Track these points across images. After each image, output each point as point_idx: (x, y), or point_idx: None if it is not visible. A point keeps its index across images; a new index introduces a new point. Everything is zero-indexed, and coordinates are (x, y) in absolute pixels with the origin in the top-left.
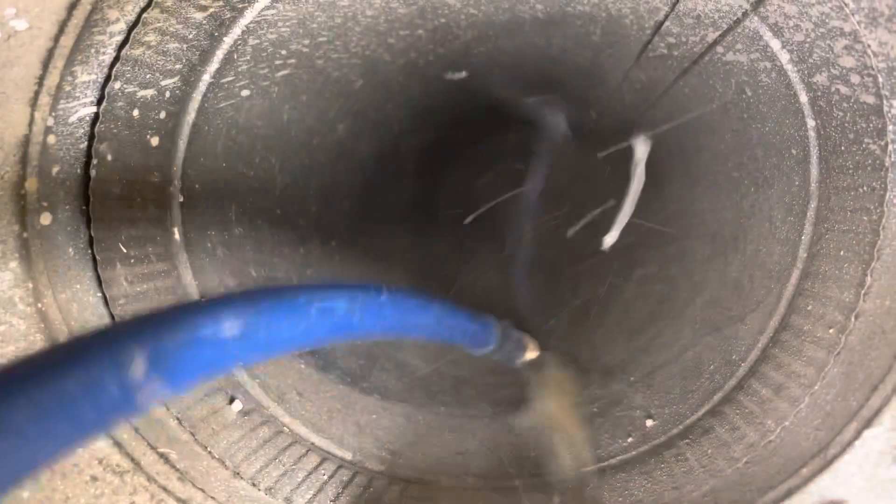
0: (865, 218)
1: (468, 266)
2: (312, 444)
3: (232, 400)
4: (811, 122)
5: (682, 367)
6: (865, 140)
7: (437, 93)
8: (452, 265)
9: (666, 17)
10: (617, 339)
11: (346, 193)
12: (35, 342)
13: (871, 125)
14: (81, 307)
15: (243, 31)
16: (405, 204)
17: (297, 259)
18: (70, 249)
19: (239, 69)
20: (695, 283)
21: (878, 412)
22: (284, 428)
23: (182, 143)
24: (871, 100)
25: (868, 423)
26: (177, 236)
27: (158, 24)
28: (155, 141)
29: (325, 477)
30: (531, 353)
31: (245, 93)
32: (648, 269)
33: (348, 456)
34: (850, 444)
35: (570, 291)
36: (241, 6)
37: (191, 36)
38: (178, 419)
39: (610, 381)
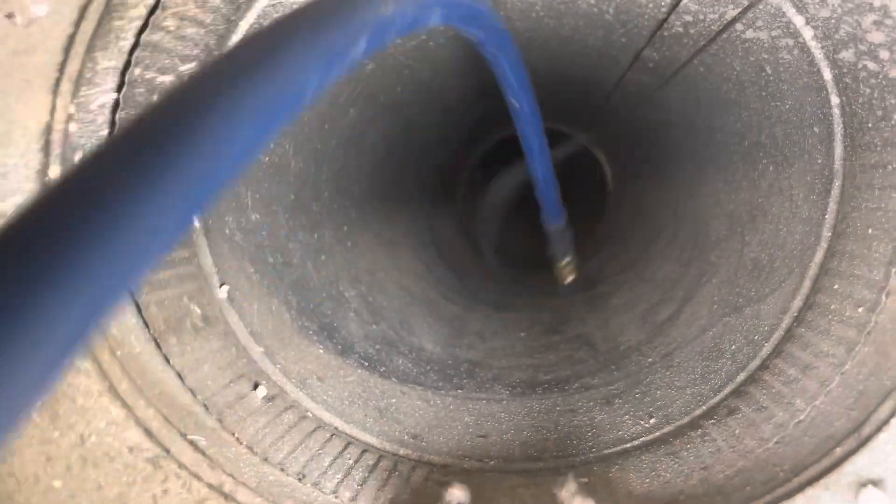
0: (895, 195)
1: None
2: (336, 428)
3: (256, 386)
4: (835, 100)
5: (702, 347)
6: (895, 116)
7: (446, 75)
8: (465, 248)
9: None
10: (633, 321)
11: (357, 178)
12: None
13: None
14: None
15: (259, 15)
16: (416, 187)
17: (311, 244)
18: None
19: None
20: (710, 263)
21: None
22: (308, 413)
23: None
24: None
25: None
26: (196, 223)
27: (177, 9)
28: None
29: (351, 461)
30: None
31: None
32: (661, 248)
33: (371, 440)
34: (885, 422)
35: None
36: None
37: (208, 20)
38: (205, 406)
39: (628, 362)
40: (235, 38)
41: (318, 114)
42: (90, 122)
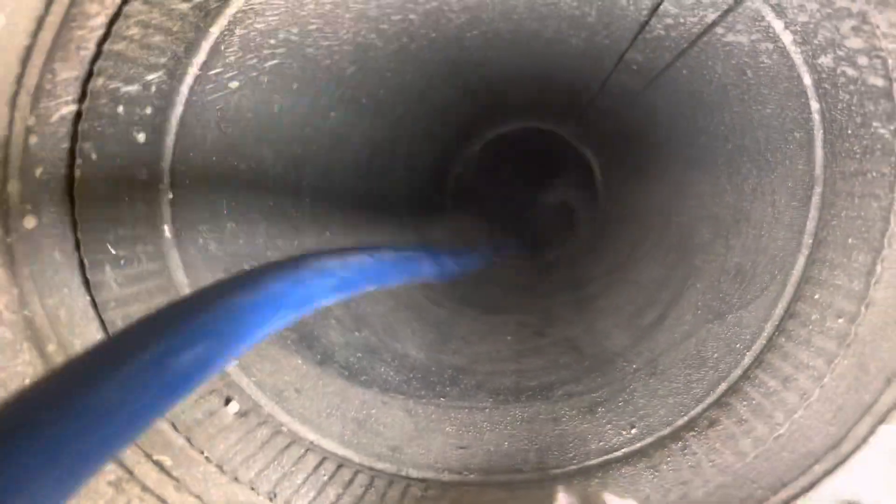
0: (875, 204)
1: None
2: (311, 442)
3: (228, 401)
4: (815, 105)
5: (685, 354)
6: (874, 124)
7: (430, 77)
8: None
9: None
10: (619, 324)
11: (340, 183)
12: (21, 350)
13: (879, 108)
14: (70, 312)
15: (230, 21)
16: (401, 191)
17: (291, 252)
18: (56, 253)
19: (227, 60)
20: (694, 267)
21: (894, 407)
22: (283, 427)
23: (170, 139)
24: (879, 82)
25: (883, 419)
26: (167, 234)
27: (141, 17)
28: (141, 137)
29: (326, 478)
30: None
31: (234, 84)
32: (648, 249)
33: (348, 454)
34: (864, 439)
35: (567, 271)
36: None
37: (175, 28)
38: (172, 424)
39: (612, 368)
40: (206, 45)
41: (297, 118)
42: (51, 134)
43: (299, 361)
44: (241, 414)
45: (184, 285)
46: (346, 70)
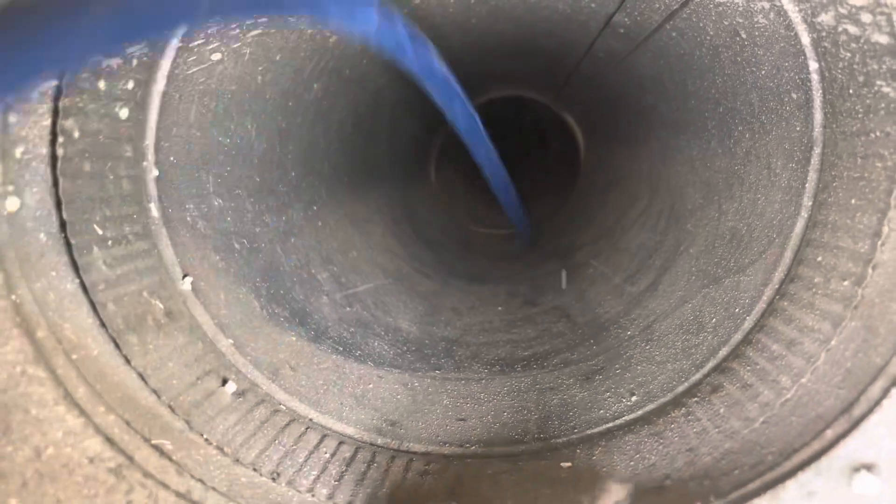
0: (879, 164)
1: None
2: (311, 420)
3: (225, 381)
4: (814, 65)
5: (682, 320)
6: (878, 82)
7: None
8: (440, 221)
9: None
10: (610, 291)
11: (325, 155)
12: (11, 337)
13: (884, 66)
14: (59, 296)
15: None
16: (387, 162)
17: (279, 227)
18: (42, 235)
19: (208, 31)
20: (687, 232)
21: None
22: (281, 406)
23: (153, 114)
24: (884, 39)
25: None
26: (154, 212)
27: None
28: (124, 113)
29: (328, 455)
30: None
31: (216, 56)
32: (636, 216)
33: (348, 430)
34: (877, 403)
35: (554, 240)
36: None
37: None
38: (170, 407)
39: (606, 335)
40: None
41: (280, 91)
42: (31, 111)
43: (293, 338)
44: (239, 394)
45: (174, 264)
46: (328, 39)
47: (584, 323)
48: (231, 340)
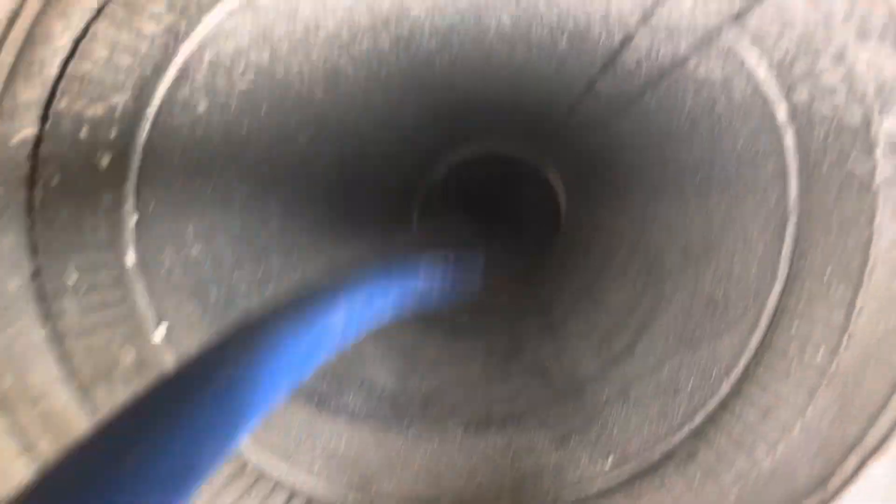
0: (853, 238)
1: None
2: (279, 478)
3: None
4: (789, 139)
5: (658, 382)
6: (851, 158)
7: (399, 100)
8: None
9: (637, 28)
10: (589, 349)
11: (308, 203)
12: None
13: (857, 142)
14: (26, 344)
15: (199, 44)
16: (370, 212)
17: (257, 275)
18: (14, 281)
19: (195, 83)
20: (664, 294)
21: (882, 442)
22: (249, 462)
23: (135, 162)
24: (857, 117)
25: (871, 455)
26: (130, 260)
27: (108, 37)
28: (105, 161)
29: None
30: None
31: (202, 107)
32: (615, 274)
33: (318, 488)
34: (852, 477)
35: (535, 293)
36: (197, 17)
37: (143, 49)
38: None
39: (584, 395)
40: (174, 68)
41: (265, 141)
42: (9, 159)
43: None
44: None
45: (147, 314)
46: (315, 94)
47: (561, 382)
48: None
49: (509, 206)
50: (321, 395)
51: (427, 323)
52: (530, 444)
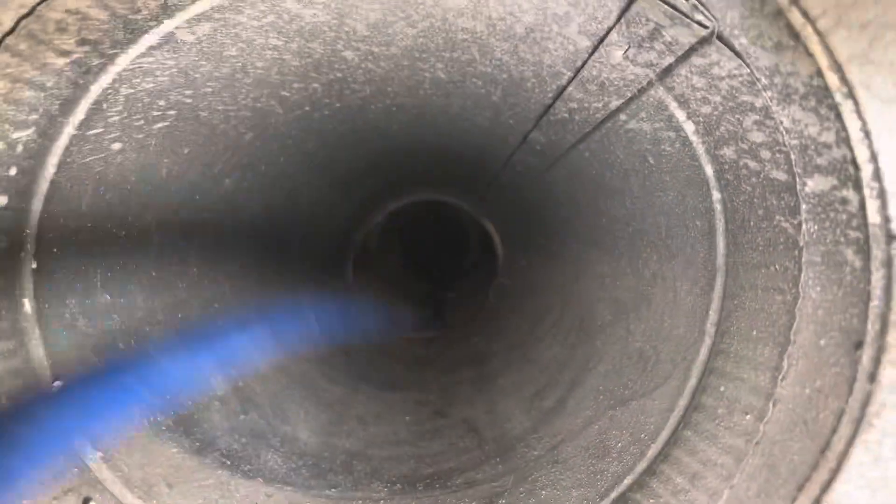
0: (779, 298)
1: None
2: None
3: (87, 502)
4: (717, 195)
5: (588, 442)
6: (777, 217)
7: (333, 147)
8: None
9: (569, 82)
10: (519, 405)
11: (233, 252)
12: None
13: (782, 202)
14: None
15: (114, 80)
16: (301, 260)
17: (174, 326)
18: None
19: (109, 120)
20: (596, 349)
21: None
22: None
23: (37, 203)
24: (782, 177)
25: None
26: (27, 308)
27: (9, 70)
28: (3, 200)
29: None
30: None
31: (116, 146)
32: (548, 328)
33: None
34: None
35: (467, 346)
36: (111, 52)
37: (50, 83)
38: None
39: (513, 454)
40: (86, 104)
41: (187, 184)
42: None
43: (174, 450)
44: None
45: (43, 367)
46: (243, 136)
47: (491, 438)
48: (100, 453)
49: (446, 256)
50: (235, 456)
51: (357, 376)
52: None
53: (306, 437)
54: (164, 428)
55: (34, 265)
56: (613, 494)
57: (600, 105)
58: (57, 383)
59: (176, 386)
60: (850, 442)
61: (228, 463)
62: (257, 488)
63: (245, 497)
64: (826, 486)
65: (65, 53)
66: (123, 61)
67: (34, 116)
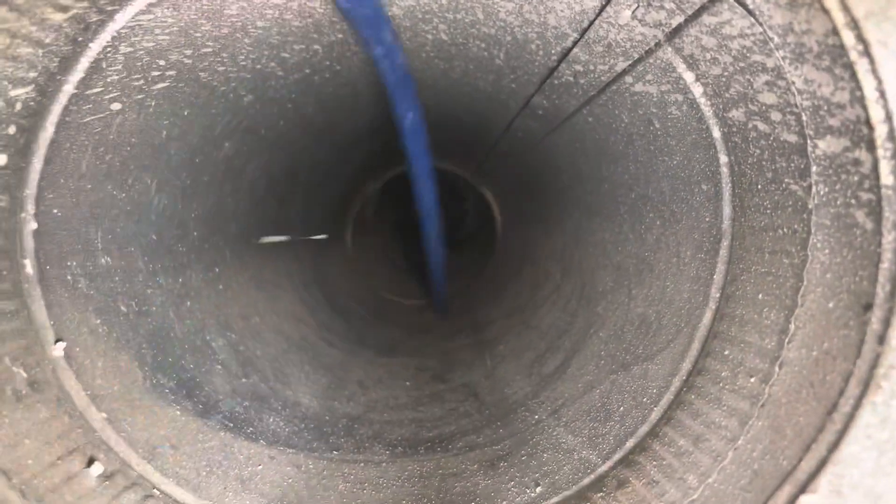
0: (786, 261)
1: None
2: None
3: (91, 462)
4: (724, 158)
5: (590, 406)
6: (786, 180)
7: (333, 111)
8: (353, 288)
9: (574, 43)
10: (520, 370)
11: (233, 215)
12: None
13: (792, 165)
14: None
15: (114, 38)
16: (300, 225)
17: (174, 289)
18: None
19: (108, 79)
20: (597, 315)
21: (813, 476)
22: (155, 490)
23: (37, 162)
24: (793, 138)
25: (803, 488)
26: (29, 269)
27: (7, 25)
28: (2, 160)
29: None
30: None
31: (116, 106)
32: (548, 294)
33: None
34: None
35: (468, 313)
36: (110, 9)
37: (48, 40)
38: (21, 491)
39: (514, 418)
40: (85, 62)
41: (187, 147)
42: None
43: (178, 412)
44: (106, 476)
45: (45, 327)
46: (243, 98)
47: (492, 403)
48: (104, 414)
49: (445, 224)
50: (239, 419)
51: (355, 340)
52: (458, 468)
53: (307, 401)
54: (167, 391)
55: (34, 226)
56: (616, 457)
57: (606, 67)
58: (60, 344)
59: (178, 348)
60: (858, 404)
61: (231, 425)
62: (260, 450)
63: (248, 459)
64: (832, 448)
65: (63, 9)
66: (123, 18)
67: (33, 74)
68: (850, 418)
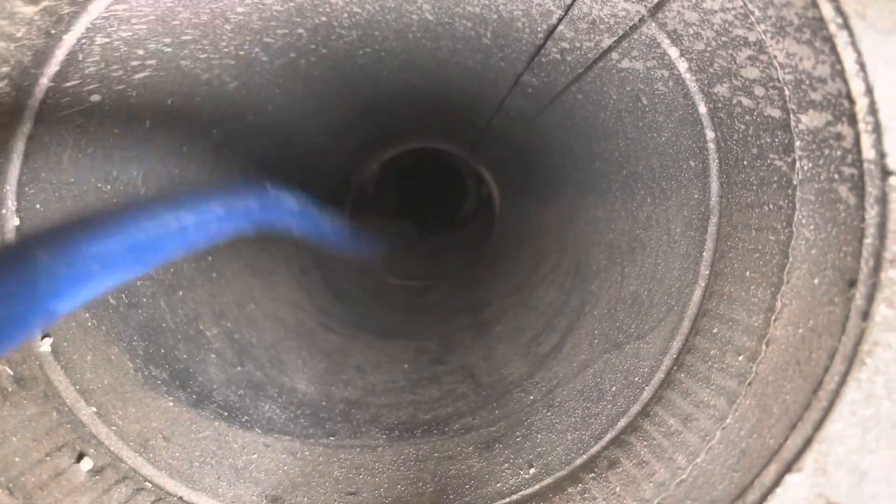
0: (772, 238)
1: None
2: (181, 498)
3: (81, 457)
4: (710, 134)
5: (583, 386)
6: (770, 155)
7: (322, 95)
8: (352, 271)
9: (559, 20)
10: (517, 351)
11: None
12: None
13: (776, 140)
14: None
15: (88, 29)
16: None
17: (166, 279)
18: None
19: (86, 71)
20: (591, 294)
21: (799, 454)
22: (147, 483)
23: (17, 157)
24: (776, 113)
25: (790, 466)
26: None
27: None
28: None
29: None
30: None
31: (95, 98)
32: (545, 274)
33: None
34: (771, 489)
35: (466, 293)
36: (82, 0)
37: (19, 34)
38: (8, 489)
39: (510, 399)
40: (60, 54)
41: (173, 135)
42: None
43: (170, 403)
44: (96, 471)
45: None
46: (228, 85)
47: (488, 384)
48: (94, 408)
49: (443, 205)
50: (233, 408)
51: (354, 324)
52: (453, 451)
53: (304, 388)
54: (159, 382)
55: (17, 222)
56: (607, 437)
57: (592, 44)
58: (46, 340)
59: (170, 338)
60: (843, 381)
61: (226, 415)
62: (255, 439)
63: (243, 448)
64: (818, 425)
65: (34, 1)
66: (96, 9)
67: (5, 69)
68: (836, 395)
